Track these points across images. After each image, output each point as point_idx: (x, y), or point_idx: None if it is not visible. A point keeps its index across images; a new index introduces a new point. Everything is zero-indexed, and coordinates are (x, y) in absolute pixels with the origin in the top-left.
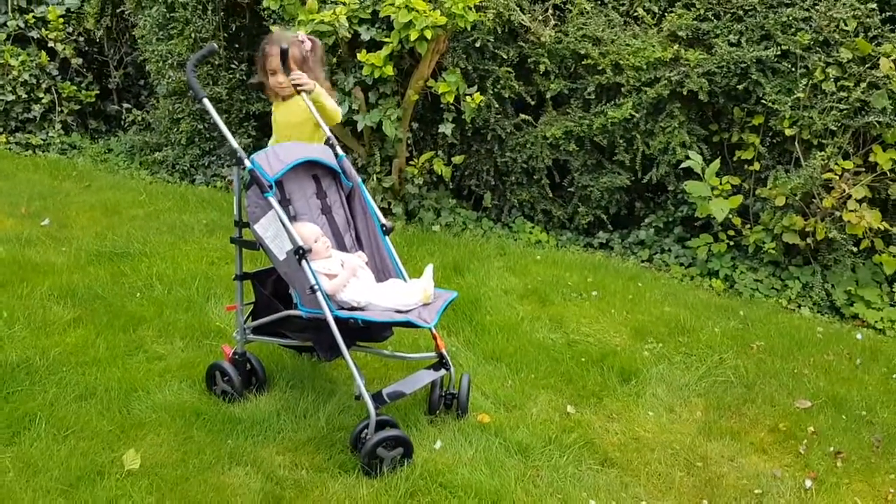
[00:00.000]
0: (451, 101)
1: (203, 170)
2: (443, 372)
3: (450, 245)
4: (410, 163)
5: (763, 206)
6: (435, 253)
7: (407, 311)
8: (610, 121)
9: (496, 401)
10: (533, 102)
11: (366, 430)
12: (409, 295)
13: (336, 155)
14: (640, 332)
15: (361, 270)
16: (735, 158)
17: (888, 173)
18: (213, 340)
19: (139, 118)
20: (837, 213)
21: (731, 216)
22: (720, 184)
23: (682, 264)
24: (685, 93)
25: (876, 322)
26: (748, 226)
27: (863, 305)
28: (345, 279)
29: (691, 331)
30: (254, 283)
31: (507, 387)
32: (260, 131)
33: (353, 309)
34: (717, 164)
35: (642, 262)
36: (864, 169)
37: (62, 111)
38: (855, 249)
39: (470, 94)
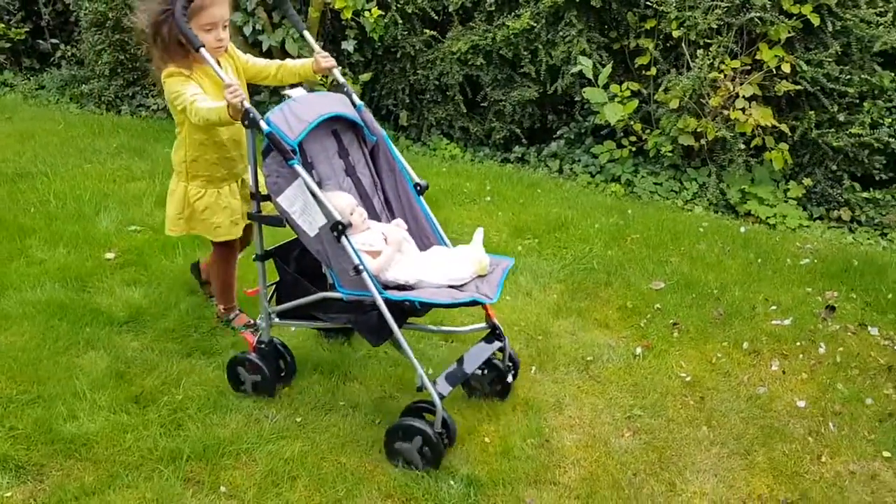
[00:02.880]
0: (350, 16)
1: (128, 100)
2: (497, 344)
3: None
4: (321, 83)
5: (662, 111)
6: None
7: (462, 286)
8: (511, 32)
9: None
10: (438, 18)
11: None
12: (461, 267)
13: (353, 104)
14: (520, 230)
15: (406, 244)
16: (637, 65)
17: (774, 70)
18: (93, 248)
19: (68, 53)
20: (727, 113)
21: (631, 122)
22: (620, 90)
23: (589, 173)
24: (579, 0)
25: (768, 218)
26: (648, 131)
27: (755, 202)
28: (390, 256)
29: (570, 227)
30: (276, 262)
31: None
32: None
33: (401, 288)
34: (608, 68)
35: (553, 173)
36: (751, 68)
37: None
38: (744, 147)
39: (368, 10)
